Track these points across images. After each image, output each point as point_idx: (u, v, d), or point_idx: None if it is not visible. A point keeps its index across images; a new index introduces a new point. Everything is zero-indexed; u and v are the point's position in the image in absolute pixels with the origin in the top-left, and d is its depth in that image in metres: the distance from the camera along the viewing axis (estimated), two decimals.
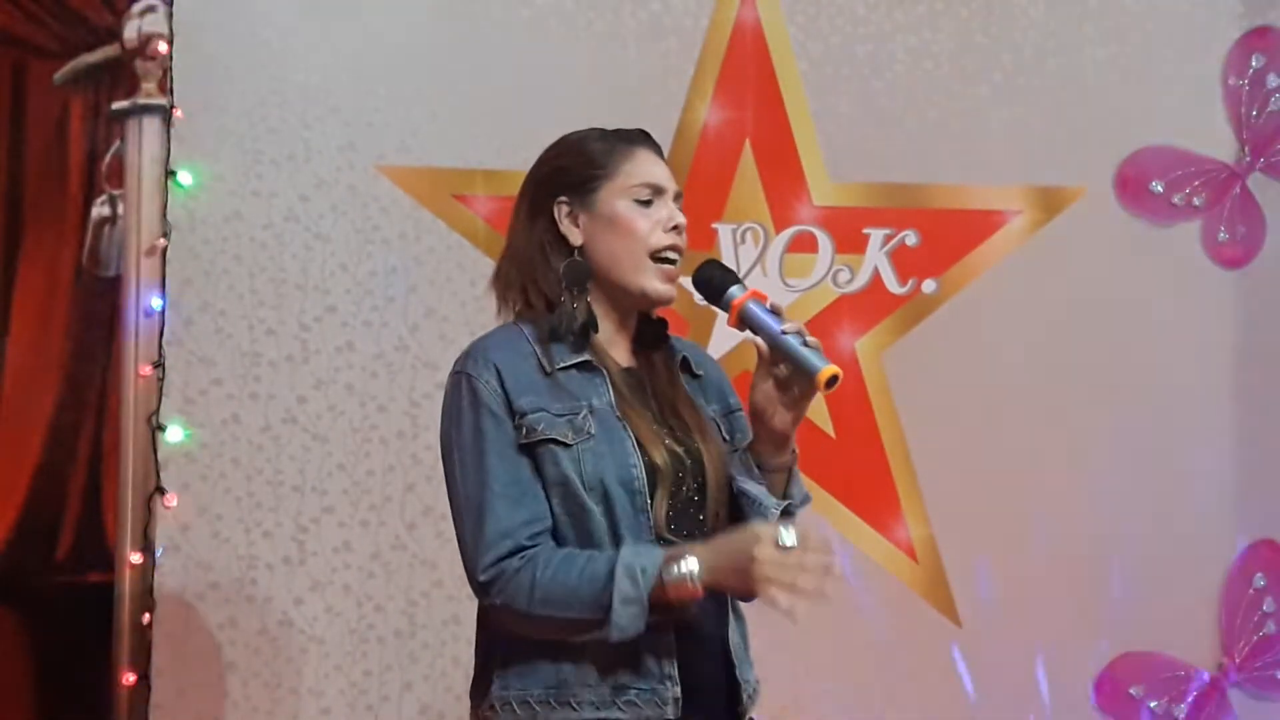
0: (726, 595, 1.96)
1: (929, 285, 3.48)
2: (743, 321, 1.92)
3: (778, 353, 1.88)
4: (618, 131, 2.06)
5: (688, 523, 1.95)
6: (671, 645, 1.89)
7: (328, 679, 3.25)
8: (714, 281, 1.96)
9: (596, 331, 1.99)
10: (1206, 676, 3.55)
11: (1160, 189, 3.54)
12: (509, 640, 1.94)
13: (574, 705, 1.90)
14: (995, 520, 3.46)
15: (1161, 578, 3.49)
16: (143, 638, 3.20)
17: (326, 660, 3.25)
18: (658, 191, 2.00)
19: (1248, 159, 3.58)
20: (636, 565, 1.83)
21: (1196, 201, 3.56)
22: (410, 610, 3.26)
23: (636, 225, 1.98)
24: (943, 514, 3.46)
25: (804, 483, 2.01)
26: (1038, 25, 3.52)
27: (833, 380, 1.83)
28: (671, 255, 1.98)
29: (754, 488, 1.93)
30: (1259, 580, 3.55)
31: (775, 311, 1.90)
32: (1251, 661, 3.55)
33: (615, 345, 2.03)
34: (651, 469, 1.92)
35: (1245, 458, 3.56)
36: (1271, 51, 3.57)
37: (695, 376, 2.08)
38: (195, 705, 3.20)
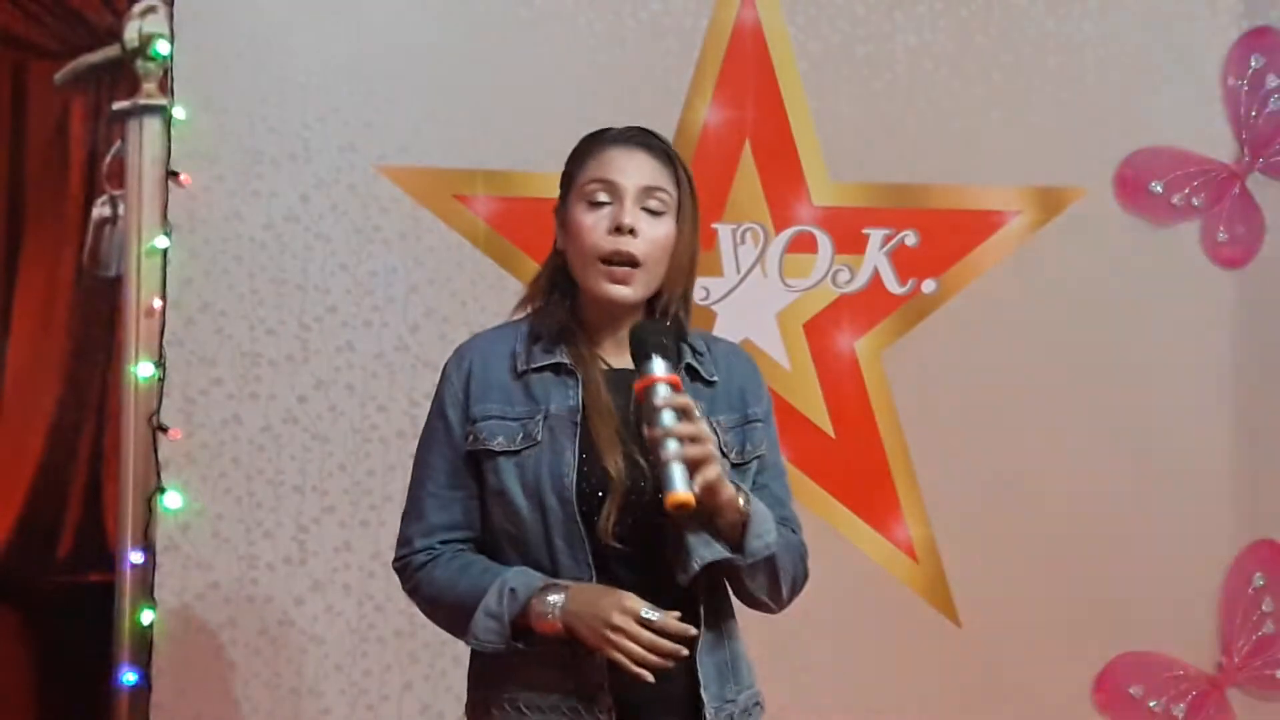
0: (700, 614, 1.95)
1: (929, 285, 3.48)
2: (643, 399, 1.84)
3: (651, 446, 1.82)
4: (607, 130, 2.04)
5: (643, 533, 1.92)
6: (603, 660, 1.88)
7: (328, 679, 3.26)
8: (643, 346, 1.86)
9: (578, 331, 1.99)
10: (1206, 676, 3.55)
11: (1160, 189, 3.54)
12: None
13: (524, 710, 1.94)
14: (995, 520, 3.46)
15: (1161, 577, 3.49)
16: (143, 638, 3.20)
17: (326, 660, 3.26)
18: (610, 187, 1.95)
19: (1247, 159, 3.58)
20: (509, 585, 1.89)
21: (1196, 202, 3.56)
22: (410, 610, 3.21)
23: (582, 228, 1.96)
24: (943, 514, 3.46)
25: (769, 530, 1.92)
26: (1038, 25, 3.52)
27: (679, 507, 1.77)
28: (616, 260, 1.93)
29: (688, 530, 1.88)
30: (1258, 580, 3.56)
31: (676, 408, 1.81)
32: (1251, 661, 3.55)
33: (607, 346, 2.00)
34: (604, 477, 1.91)
35: (1245, 458, 3.56)
36: (1271, 52, 3.57)
37: (708, 384, 2.01)
38: (195, 705, 3.21)
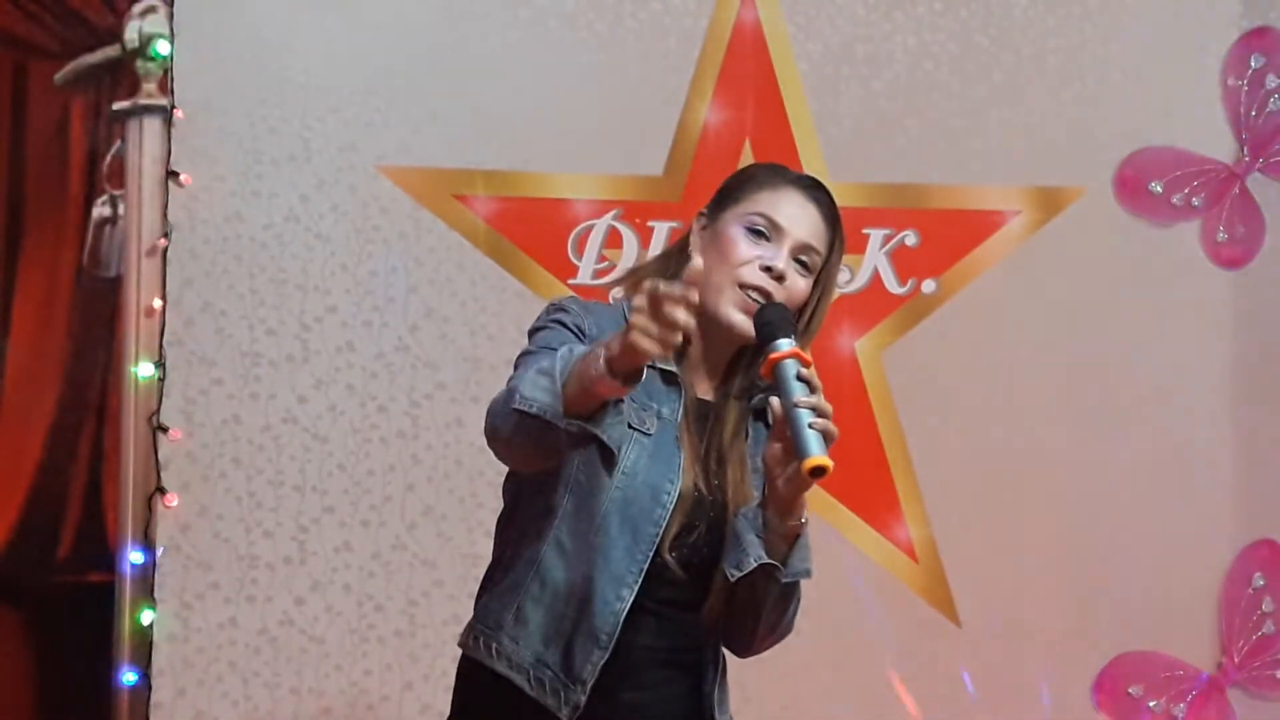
0: (719, 643, 1.97)
1: (929, 285, 3.48)
2: (773, 376, 1.83)
3: (786, 421, 1.80)
4: (788, 170, 2.02)
5: (694, 559, 1.92)
6: (600, 658, 1.87)
7: (328, 679, 3.25)
8: (772, 326, 1.85)
9: (689, 344, 1.95)
10: (1205, 676, 3.55)
11: (1159, 189, 3.54)
12: (493, 568, 1.98)
13: (494, 654, 1.92)
14: (995, 520, 3.46)
15: (1161, 577, 3.50)
16: (143, 638, 3.21)
17: (326, 660, 3.26)
18: (775, 228, 1.93)
19: (1246, 159, 3.58)
20: (569, 347, 1.79)
21: (1196, 202, 3.57)
22: (410, 610, 3.27)
23: (734, 249, 1.92)
24: (943, 514, 3.46)
25: (809, 557, 1.91)
26: (1037, 25, 3.52)
27: (818, 471, 1.74)
28: (754, 296, 1.91)
29: (746, 531, 1.88)
30: (1258, 580, 3.56)
31: (805, 381, 1.80)
32: (1250, 661, 3.56)
33: (697, 373, 1.99)
34: (673, 495, 1.90)
35: (1245, 458, 3.57)
36: (1270, 52, 3.57)
37: (770, 425, 1.95)
38: (195, 705, 3.21)
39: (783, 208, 1.94)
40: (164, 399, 3.21)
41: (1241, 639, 3.55)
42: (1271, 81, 3.58)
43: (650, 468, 1.89)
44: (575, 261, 3.35)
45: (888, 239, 3.46)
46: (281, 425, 3.26)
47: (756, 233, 1.93)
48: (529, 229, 3.33)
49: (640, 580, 1.88)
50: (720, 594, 1.92)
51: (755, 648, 2.00)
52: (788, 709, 3.34)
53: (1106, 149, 3.54)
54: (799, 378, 1.79)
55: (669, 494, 1.89)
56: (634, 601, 1.90)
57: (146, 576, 3.22)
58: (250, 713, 3.22)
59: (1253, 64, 3.58)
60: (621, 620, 1.87)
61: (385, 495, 3.28)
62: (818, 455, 1.74)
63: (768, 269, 1.91)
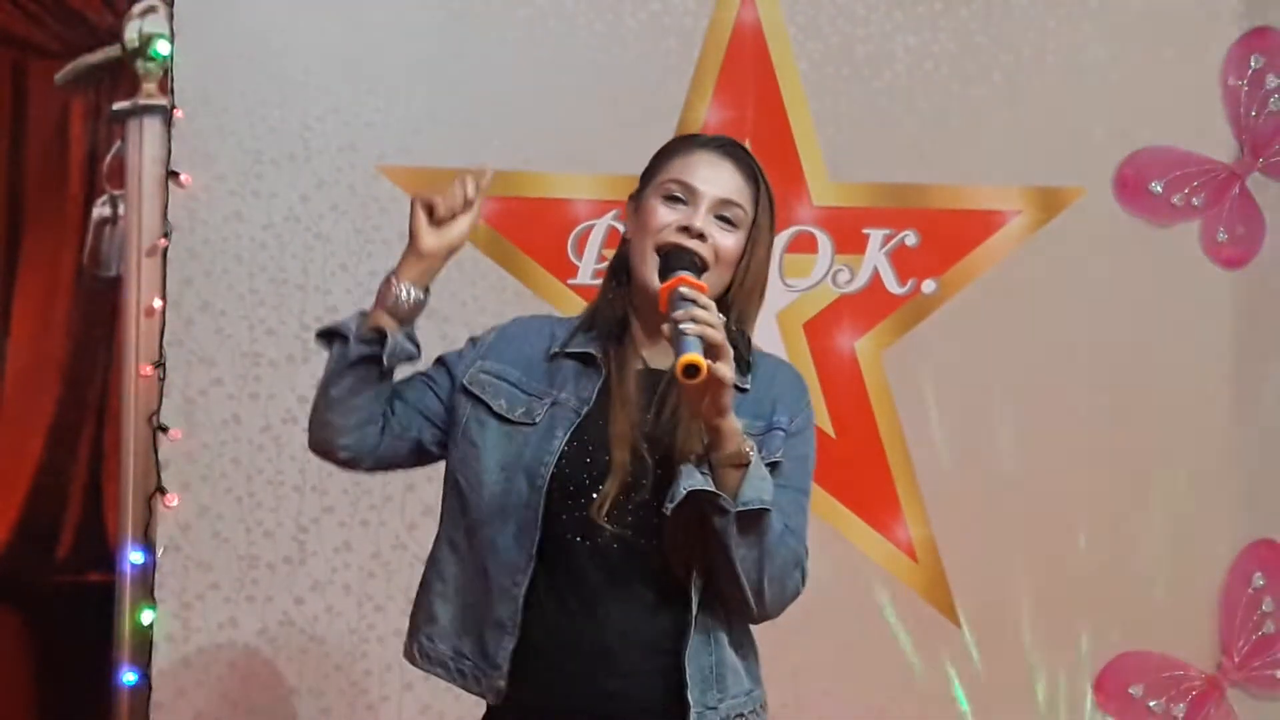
0: (691, 620, 1.93)
1: (929, 285, 3.48)
2: (667, 300, 1.84)
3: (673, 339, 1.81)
4: (699, 135, 2.08)
5: (639, 524, 1.91)
6: (510, 643, 1.92)
7: (328, 679, 3.26)
8: (669, 263, 1.90)
9: (627, 325, 2.00)
10: (1206, 676, 3.55)
11: (1159, 189, 3.54)
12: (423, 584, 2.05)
13: (418, 655, 2.02)
14: (995, 520, 3.46)
15: (1161, 577, 3.49)
16: (143, 638, 3.21)
17: (326, 660, 3.26)
18: (690, 191, 1.96)
19: (1247, 159, 3.58)
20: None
21: (1196, 202, 3.56)
22: (410, 610, 3.26)
23: (653, 217, 1.96)
24: (943, 514, 3.46)
25: (768, 490, 1.86)
26: (1038, 25, 3.52)
27: (689, 370, 1.73)
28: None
29: (687, 467, 1.86)
30: (1258, 580, 3.56)
31: (689, 299, 1.81)
32: (1251, 661, 3.56)
33: (648, 345, 2.01)
34: (605, 464, 1.91)
35: (1245, 457, 3.57)
36: (1271, 52, 3.57)
37: (740, 390, 1.94)
38: (195, 705, 3.21)
39: (696, 169, 1.97)
40: (164, 399, 3.21)
41: (1241, 639, 3.55)
42: (1271, 81, 3.58)
43: (527, 455, 1.93)
44: (575, 261, 3.35)
45: (888, 239, 3.46)
46: (281, 425, 3.25)
47: (674, 199, 1.96)
48: (529, 229, 3.33)
49: (534, 562, 1.91)
50: (675, 538, 1.88)
51: (756, 605, 1.92)
52: (787, 708, 3.33)
53: (1106, 149, 3.54)
54: (682, 297, 1.81)
55: (542, 477, 1.92)
56: (597, 589, 1.91)
57: (146, 576, 3.22)
58: (250, 713, 3.23)
59: (1253, 64, 3.58)
60: (521, 604, 1.91)
61: (385, 495, 3.28)
62: (692, 353, 1.74)
63: (685, 229, 1.93)
